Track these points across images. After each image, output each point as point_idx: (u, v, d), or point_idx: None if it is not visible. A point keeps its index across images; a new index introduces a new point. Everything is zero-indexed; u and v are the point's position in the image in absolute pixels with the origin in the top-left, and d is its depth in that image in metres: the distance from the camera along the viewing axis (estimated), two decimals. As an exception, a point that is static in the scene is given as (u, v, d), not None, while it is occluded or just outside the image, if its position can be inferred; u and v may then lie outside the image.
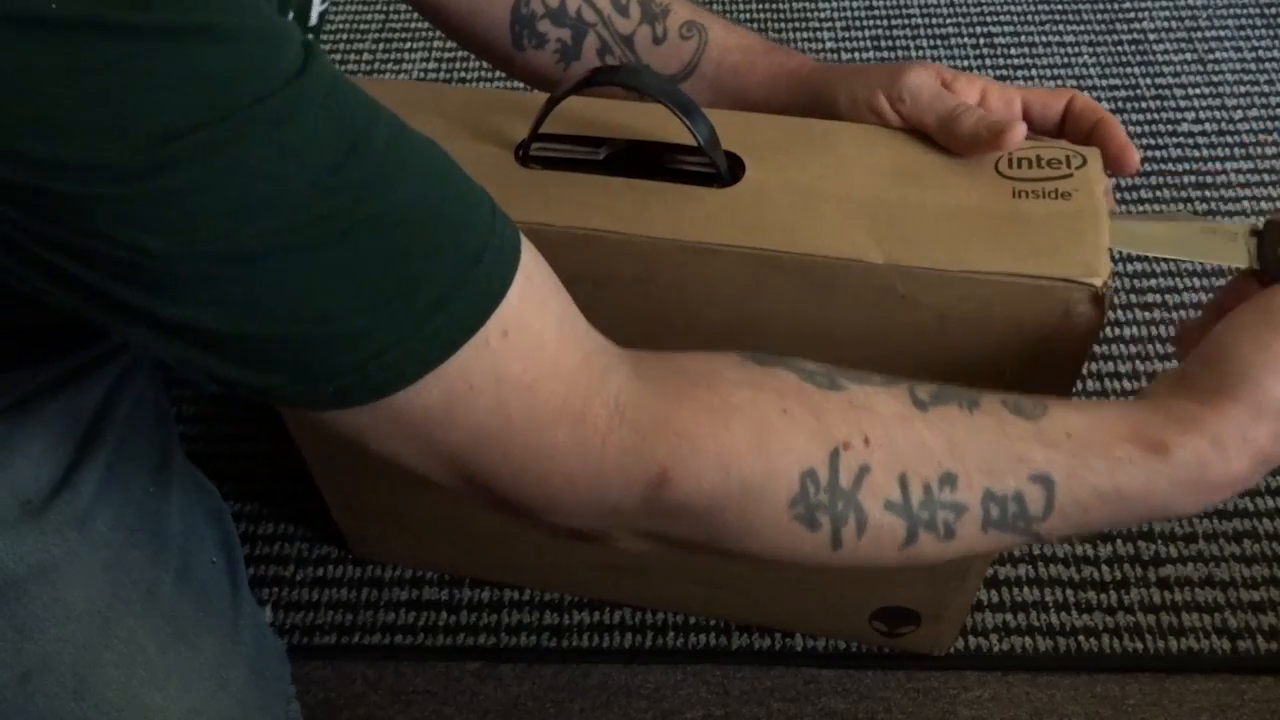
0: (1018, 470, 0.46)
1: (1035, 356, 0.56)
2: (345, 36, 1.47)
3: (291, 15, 0.59)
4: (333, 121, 0.39)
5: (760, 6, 1.51)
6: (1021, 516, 0.47)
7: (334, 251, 0.39)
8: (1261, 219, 0.57)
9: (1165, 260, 1.17)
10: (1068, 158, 0.57)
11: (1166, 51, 1.39)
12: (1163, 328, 1.11)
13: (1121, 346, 1.09)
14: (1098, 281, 0.52)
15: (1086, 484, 0.46)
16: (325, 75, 0.39)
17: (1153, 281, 1.15)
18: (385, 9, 1.50)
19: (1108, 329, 1.11)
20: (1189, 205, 1.22)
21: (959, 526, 0.46)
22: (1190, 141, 1.28)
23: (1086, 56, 1.39)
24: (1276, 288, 0.50)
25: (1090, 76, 1.37)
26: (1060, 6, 1.46)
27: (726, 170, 0.57)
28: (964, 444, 0.46)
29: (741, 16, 1.48)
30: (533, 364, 0.43)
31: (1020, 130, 0.57)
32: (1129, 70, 1.37)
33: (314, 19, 0.62)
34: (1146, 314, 1.12)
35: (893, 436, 0.46)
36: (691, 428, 0.45)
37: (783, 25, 1.47)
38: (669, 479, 0.44)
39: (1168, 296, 1.14)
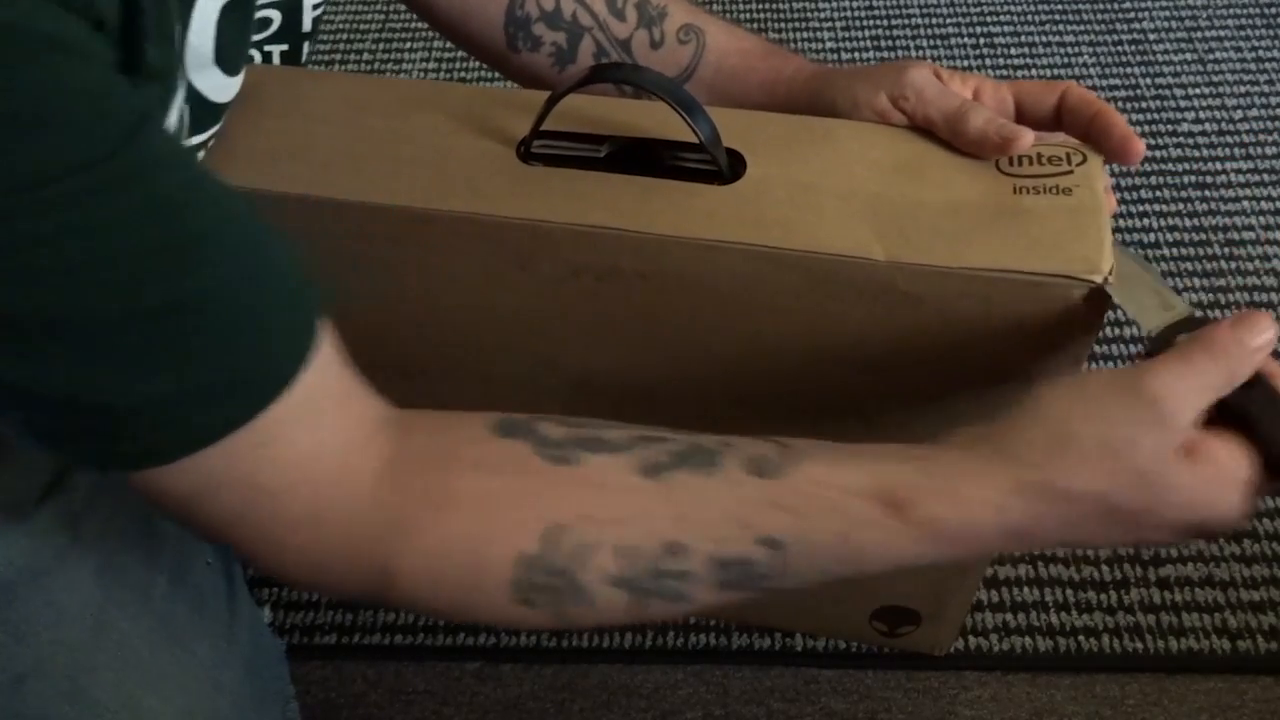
0: (744, 535, 0.46)
1: (1036, 354, 0.56)
2: (345, 36, 1.47)
3: (280, 20, 0.59)
4: (133, 204, 0.38)
5: (760, 6, 1.51)
6: (752, 576, 0.47)
7: (110, 328, 0.39)
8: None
9: (1166, 260, 1.17)
10: (1069, 154, 0.57)
11: (1166, 51, 1.40)
12: (1163, 328, 1.11)
13: (1121, 347, 1.09)
14: (1098, 278, 0.52)
15: (817, 545, 0.46)
16: (141, 158, 0.38)
17: (1153, 282, 1.15)
18: (385, 9, 1.50)
19: (1108, 329, 1.11)
20: (1189, 205, 1.22)
21: (688, 590, 0.46)
22: (1190, 141, 1.28)
23: (1086, 56, 1.40)
24: (1100, 372, 0.48)
25: (1090, 76, 1.37)
26: (1060, 6, 1.47)
27: (728, 167, 0.57)
28: (691, 513, 0.46)
29: (741, 17, 1.48)
30: (284, 475, 0.44)
31: (1028, 139, 0.56)
32: (1129, 70, 1.37)
33: (307, 25, 0.62)
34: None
35: (616, 512, 0.46)
36: (412, 527, 0.46)
37: (783, 25, 1.47)
38: (394, 580, 0.46)
39: (1168, 297, 1.13)
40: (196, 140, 0.53)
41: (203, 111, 0.51)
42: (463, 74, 1.41)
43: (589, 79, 0.57)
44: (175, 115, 0.46)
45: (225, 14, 0.49)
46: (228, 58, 0.50)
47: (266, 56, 0.60)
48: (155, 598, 0.65)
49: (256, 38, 0.59)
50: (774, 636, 0.91)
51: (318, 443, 0.45)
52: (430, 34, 1.45)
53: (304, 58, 0.64)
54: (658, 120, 0.59)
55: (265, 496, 0.45)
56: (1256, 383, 0.46)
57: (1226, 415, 0.46)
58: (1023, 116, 0.60)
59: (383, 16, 1.49)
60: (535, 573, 0.45)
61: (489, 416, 0.49)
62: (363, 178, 0.58)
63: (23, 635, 0.59)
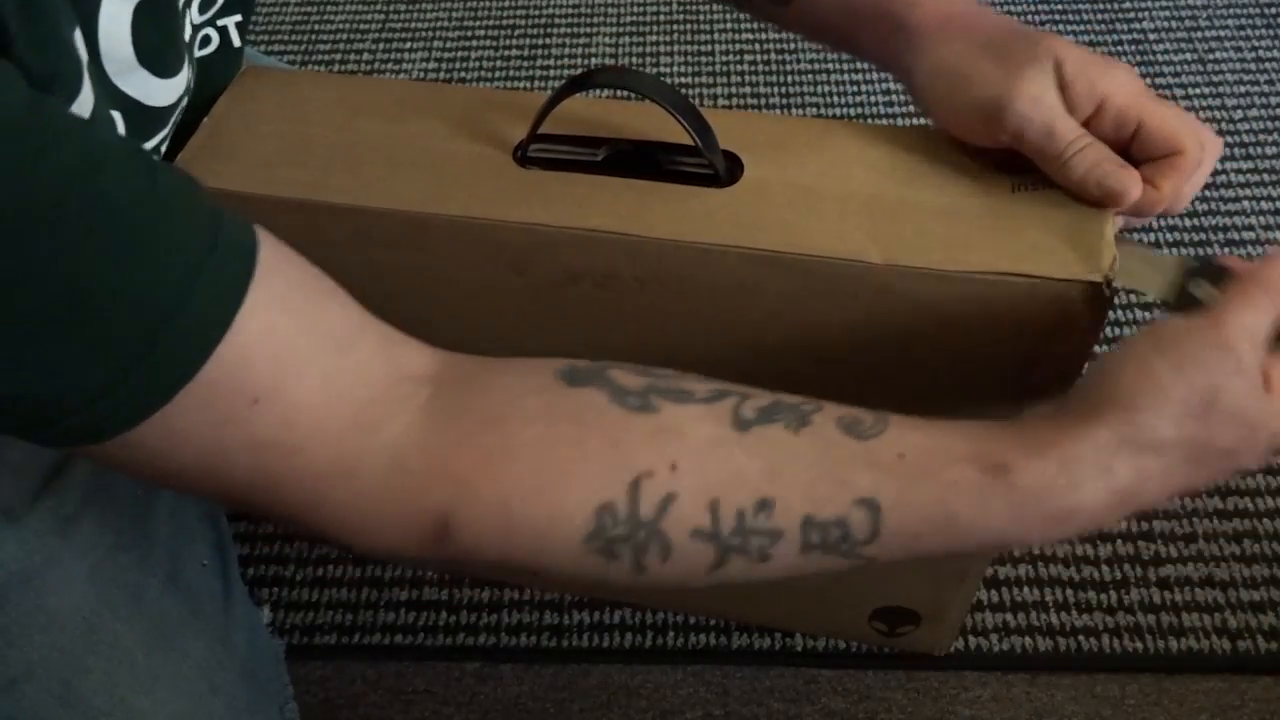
0: (841, 495, 0.44)
1: (1037, 356, 0.56)
2: (345, 36, 1.47)
3: (218, 39, 0.58)
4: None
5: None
6: (845, 540, 0.45)
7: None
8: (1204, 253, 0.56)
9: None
10: (1068, 152, 0.57)
11: (1166, 51, 1.39)
12: (1163, 327, 1.10)
13: (1121, 346, 1.09)
14: (1098, 277, 0.52)
15: (915, 508, 0.44)
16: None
17: (1153, 281, 1.15)
18: (385, 9, 1.50)
19: (1108, 329, 1.11)
20: (1189, 205, 1.22)
21: (774, 550, 0.45)
22: (1190, 141, 1.28)
23: (1086, 56, 1.39)
24: (1174, 318, 0.47)
25: (1090, 76, 1.37)
26: (1060, 6, 1.46)
27: (724, 170, 0.57)
28: (784, 468, 0.44)
29: (741, 17, 1.48)
30: (289, 430, 0.42)
31: (1132, 194, 0.53)
32: (1129, 70, 1.37)
33: (236, 40, 0.61)
34: (1146, 314, 1.12)
35: (703, 462, 0.44)
36: (470, 475, 0.44)
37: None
38: (449, 529, 0.44)
39: (1168, 296, 1.13)
40: (146, 147, 0.51)
41: (142, 117, 0.50)
42: (463, 74, 1.41)
43: (582, 84, 0.57)
44: (88, 118, 0.45)
45: (140, 15, 0.48)
46: (153, 60, 0.49)
47: (223, 32, 0.59)
48: (149, 600, 0.65)
49: (203, 17, 0.58)
50: (774, 636, 0.91)
51: (309, 389, 0.43)
52: (430, 34, 1.45)
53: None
54: (655, 123, 0.59)
55: (280, 456, 0.43)
56: None
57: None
58: (1137, 143, 0.55)
59: (383, 16, 1.49)
60: (617, 523, 0.43)
61: (555, 363, 0.46)
62: (359, 181, 0.58)
63: (14, 638, 0.59)
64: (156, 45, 0.49)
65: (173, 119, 0.53)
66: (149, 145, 0.52)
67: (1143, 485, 0.45)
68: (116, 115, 0.49)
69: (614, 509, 0.43)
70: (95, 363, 0.39)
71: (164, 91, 0.51)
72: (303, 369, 0.43)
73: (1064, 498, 0.44)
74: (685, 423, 0.44)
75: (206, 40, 0.59)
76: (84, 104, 0.45)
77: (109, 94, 0.48)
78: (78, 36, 0.44)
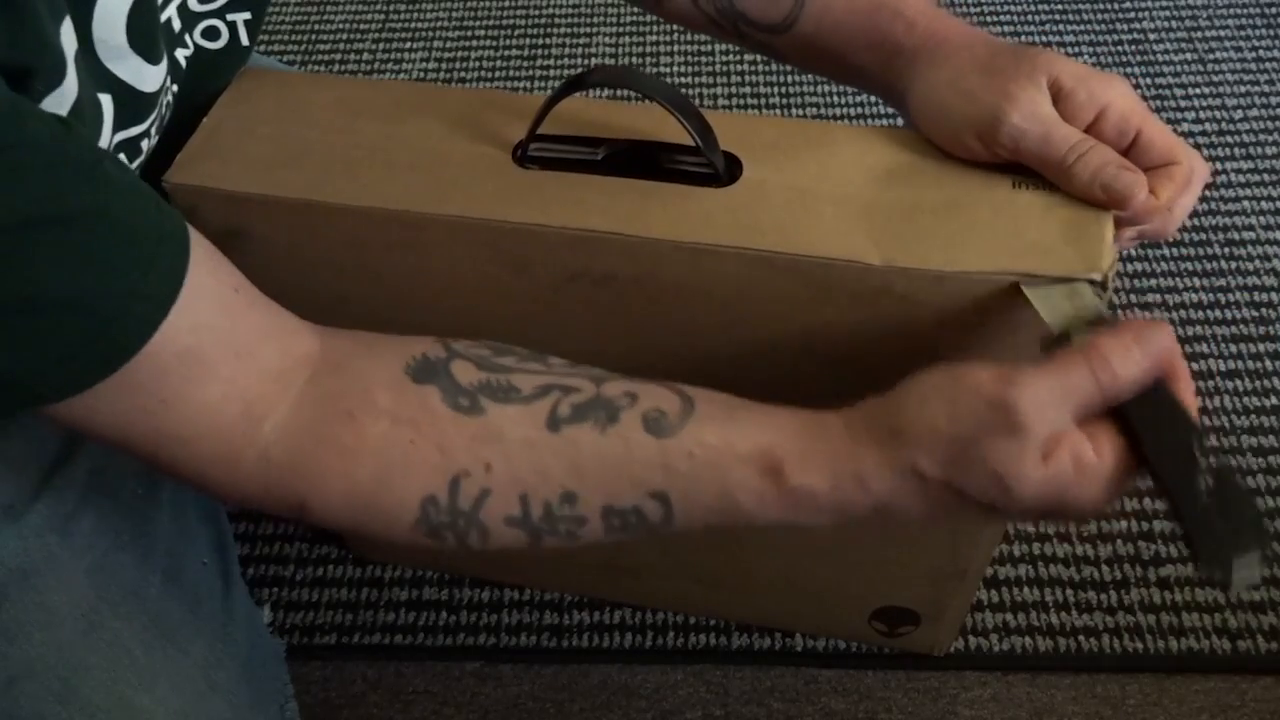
0: (635, 490, 0.50)
1: (1036, 353, 0.56)
2: (345, 36, 1.47)
3: (227, 35, 0.59)
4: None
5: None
6: (643, 524, 0.51)
7: None
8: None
9: (1165, 260, 1.17)
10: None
11: (1166, 51, 1.39)
12: (1163, 327, 1.10)
13: (1121, 346, 1.09)
14: (1098, 276, 0.52)
15: (700, 502, 0.50)
16: None
17: (1153, 281, 1.15)
18: (385, 9, 1.50)
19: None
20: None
21: (581, 531, 0.51)
22: (1190, 141, 1.27)
23: (1086, 56, 1.39)
24: (978, 364, 0.47)
25: (1090, 76, 1.36)
26: (1060, 6, 1.46)
27: (724, 170, 0.57)
28: (586, 466, 0.50)
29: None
30: (189, 424, 0.48)
31: (1138, 196, 0.53)
32: (1129, 70, 1.37)
33: (245, 39, 0.61)
34: (1146, 314, 1.12)
35: (514, 462, 0.50)
36: (324, 470, 0.50)
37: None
38: (305, 510, 0.51)
39: (1168, 296, 1.13)
40: (135, 131, 0.53)
41: (134, 101, 0.52)
42: (463, 74, 1.41)
43: (581, 83, 0.57)
44: (68, 107, 0.46)
45: (135, 9, 0.50)
46: (144, 47, 0.51)
47: (232, 28, 0.60)
48: (148, 598, 0.65)
49: (211, 6, 0.58)
50: (774, 636, 0.91)
51: (210, 395, 0.48)
52: (430, 34, 1.45)
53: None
54: (655, 123, 0.59)
55: (175, 443, 0.49)
56: (1154, 390, 0.47)
57: (1116, 414, 0.47)
58: (1136, 151, 0.56)
59: (383, 16, 1.49)
60: (439, 513, 0.50)
61: (408, 355, 0.52)
62: (358, 182, 0.58)
63: (14, 636, 0.59)
64: (145, 33, 0.51)
65: (160, 104, 0.54)
66: (140, 129, 0.53)
67: (903, 504, 0.49)
68: (107, 99, 0.50)
69: (437, 502, 0.50)
70: (38, 351, 0.43)
71: (154, 77, 0.52)
72: (209, 376, 0.48)
73: (829, 500, 0.49)
74: (504, 424, 0.50)
75: (215, 34, 0.59)
76: (65, 95, 0.46)
77: (102, 78, 0.49)
78: (67, 26, 0.45)
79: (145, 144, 0.54)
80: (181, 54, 0.57)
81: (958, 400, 0.47)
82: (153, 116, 0.54)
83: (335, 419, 0.51)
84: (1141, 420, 0.47)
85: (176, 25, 0.56)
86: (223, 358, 0.48)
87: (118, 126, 0.51)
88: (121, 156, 0.52)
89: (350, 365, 0.52)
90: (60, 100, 0.46)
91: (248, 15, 0.60)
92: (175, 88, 0.57)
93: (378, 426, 0.50)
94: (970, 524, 0.50)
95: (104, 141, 0.50)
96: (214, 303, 0.48)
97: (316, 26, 1.49)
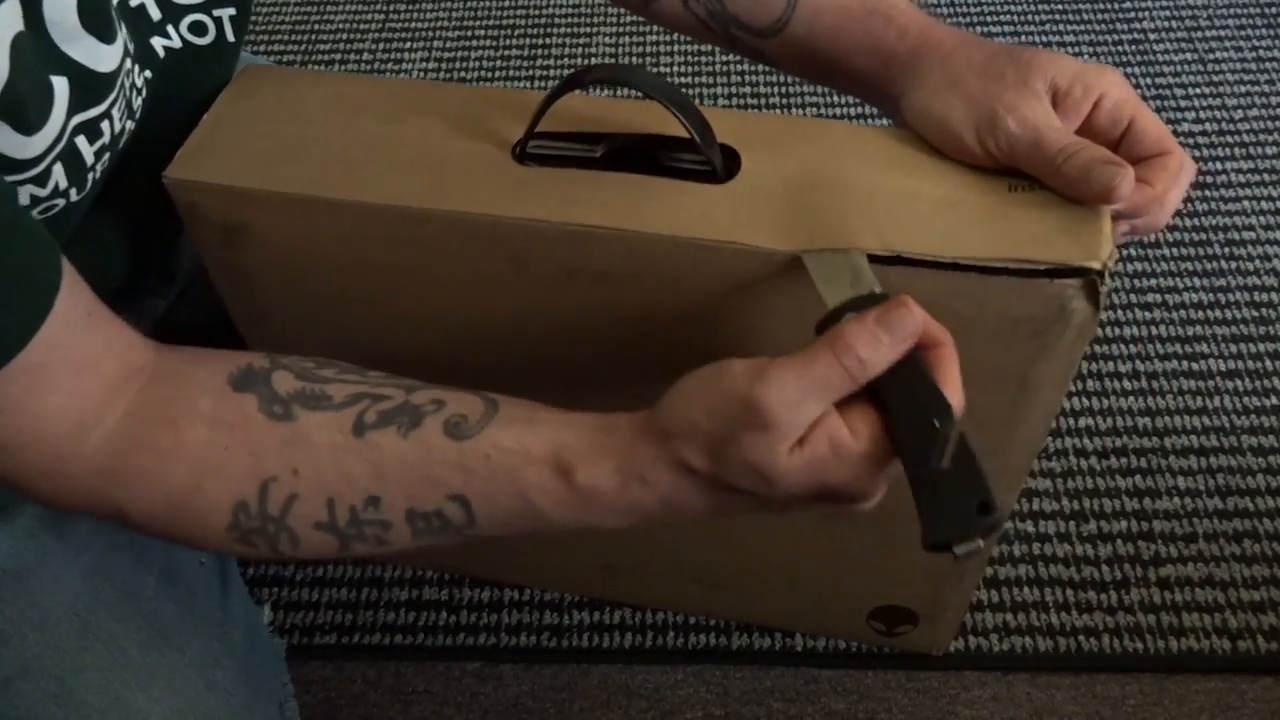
0: (436, 492, 0.51)
1: (1032, 351, 0.56)
2: (345, 36, 1.47)
3: (214, 31, 0.59)
4: None
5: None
6: (447, 527, 0.52)
7: None
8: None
9: (1165, 260, 1.17)
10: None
11: (1166, 51, 1.39)
12: (1163, 327, 1.10)
13: (1121, 346, 1.09)
14: (1097, 265, 0.52)
15: (498, 503, 0.51)
16: None
17: (1153, 281, 1.15)
18: (385, 9, 1.50)
19: (1108, 329, 1.11)
20: (1189, 205, 1.22)
21: (389, 536, 0.52)
22: (1190, 141, 1.28)
23: (1087, 56, 1.39)
24: (735, 361, 0.48)
25: (1090, 77, 1.37)
26: (1060, 6, 1.46)
27: (722, 166, 0.57)
28: (389, 471, 0.51)
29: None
30: (17, 433, 0.49)
31: (1124, 188, 0.53)
32: (1129, 70, 1.37)
33: (231, 36, 0.61)
34: (1146, 314, 1.12)
35: (321, 468, 0.51)
36: (141, 473, 0.51)
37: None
38: (124, 518, 0.52)
39: (1168, 296, 1.13)
40: (94, 112, 0.52)
41: (91, 82, 0.51)
42: (463, 74, 1.41)
43: (580, 80, 0.57)
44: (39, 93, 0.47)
45: None
46: (97, 25, 0.50)
47: (218, 23, 0.60)
48: (145, 597, 0.65)
49: (196, 0, 0.58)
50: (774, 636, 0.91)
51: (48, 406, 0.49)
52: (430, 34, 1.46)
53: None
54: (654, 119, 0.59)
55: (4, 453, 0.50)
56: (905, 363, 0.47)
57: (872, 392, 0.47)
58: (1129, 141, 0.56)
59: (383, 16, 1.49)
60: (250, 519, 0.51)
61: (231, 366, 0.53)
62: (358, 178, 0.58)
63: (8, 637, 0.59)
64: (97, 9, 0.50)
65: (119, 84, 0.53)
66: (98, 110, 0.52)
67: (684, 498, 0.50)
68: (61, 81, 0.49)
69: (248, 507, 0.51)
70: None
71: (110, 56, 0.52)
72: (50, 392, 0.49)
73: (617, 498, 0.50)
74: (313, 430, 0.51)
75: (202, 29, 0.59)
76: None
77: (55, 61, 0.49)
78: (9, 8, 0.45)
79: (106, 126, 0.53)
80: (160, 43, 0.57)
81: (714, 397, 0.48)
82: (112, 96, 0.53)
83: (158, 424, 0.51)
84: (891, 396, 0.47)
85: (155, 14, 0.56)
86: (66, 372, 0.49)
87: (74, 109, 0.50)
88: (81, 139, 0.51)
89: (179, 374, 0.53)
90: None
91: (233, 11, 0.60)
92: (148, 74, 0.56)
93: (195, 431, 0.51)
94: (753, 515, 0.50)
95: (58, 125, 0.50)
96: (66, 325, 0.48)
97: (316, 26, 1.49)
